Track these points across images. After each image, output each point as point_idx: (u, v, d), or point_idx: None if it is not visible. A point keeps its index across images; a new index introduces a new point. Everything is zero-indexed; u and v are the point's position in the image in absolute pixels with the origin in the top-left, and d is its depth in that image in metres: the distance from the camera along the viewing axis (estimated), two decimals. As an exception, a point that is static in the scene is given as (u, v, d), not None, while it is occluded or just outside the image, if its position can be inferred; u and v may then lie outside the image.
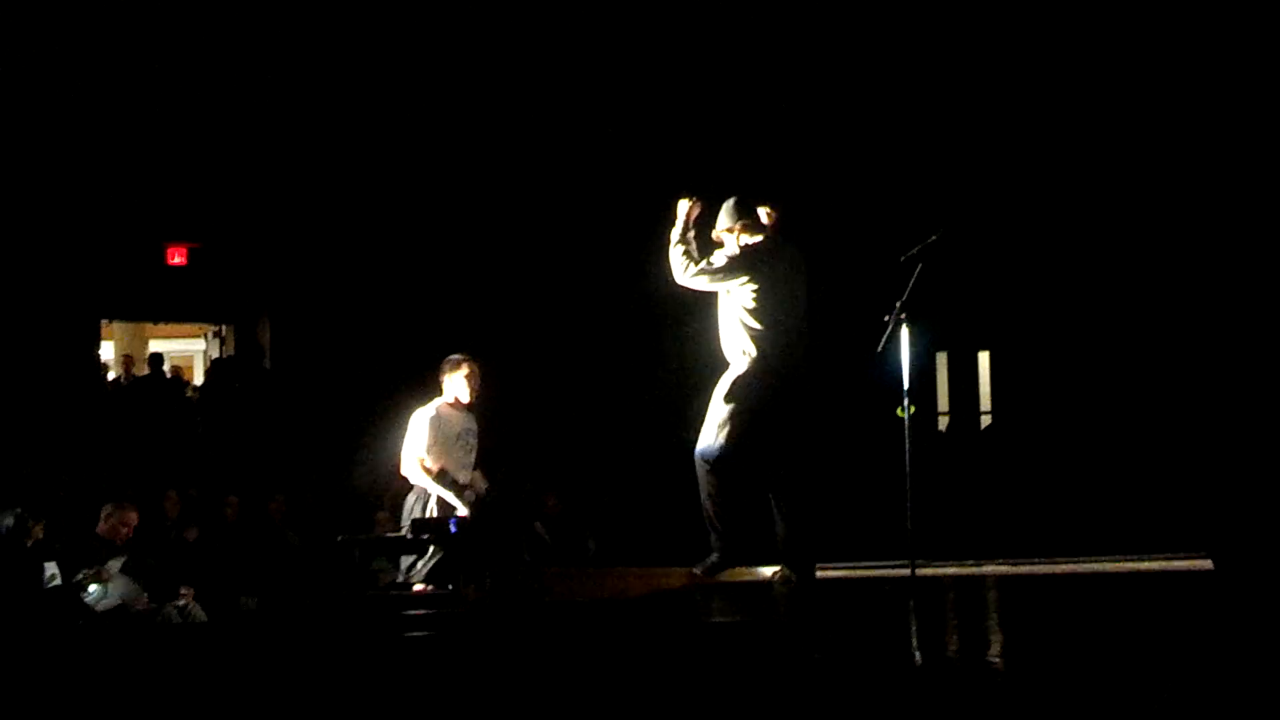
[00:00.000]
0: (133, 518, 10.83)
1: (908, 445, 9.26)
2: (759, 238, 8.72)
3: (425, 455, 9.47)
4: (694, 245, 8.69)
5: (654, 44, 16.32)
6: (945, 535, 11.60)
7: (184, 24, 16.24)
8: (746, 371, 8.55)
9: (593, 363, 16.56)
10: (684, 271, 8.63)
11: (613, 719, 6.16)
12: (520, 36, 16.46)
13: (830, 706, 5.98)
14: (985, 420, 17.44)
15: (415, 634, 7.68)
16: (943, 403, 17.33)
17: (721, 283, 8.64)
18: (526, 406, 14.78)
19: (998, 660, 6.31)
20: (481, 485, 9.77)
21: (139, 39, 16.22)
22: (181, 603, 10.65)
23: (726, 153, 15.74)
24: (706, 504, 8.64)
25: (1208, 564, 9.49)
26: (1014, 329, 16.83)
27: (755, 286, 8.53)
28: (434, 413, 9.58)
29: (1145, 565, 10.44)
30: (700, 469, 8.63)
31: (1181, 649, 6.34)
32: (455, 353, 9.85)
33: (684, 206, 8.75)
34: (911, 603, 8.67)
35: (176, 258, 17.56)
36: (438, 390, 9.76)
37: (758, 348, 8.53)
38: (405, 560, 9.56)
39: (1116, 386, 15.91)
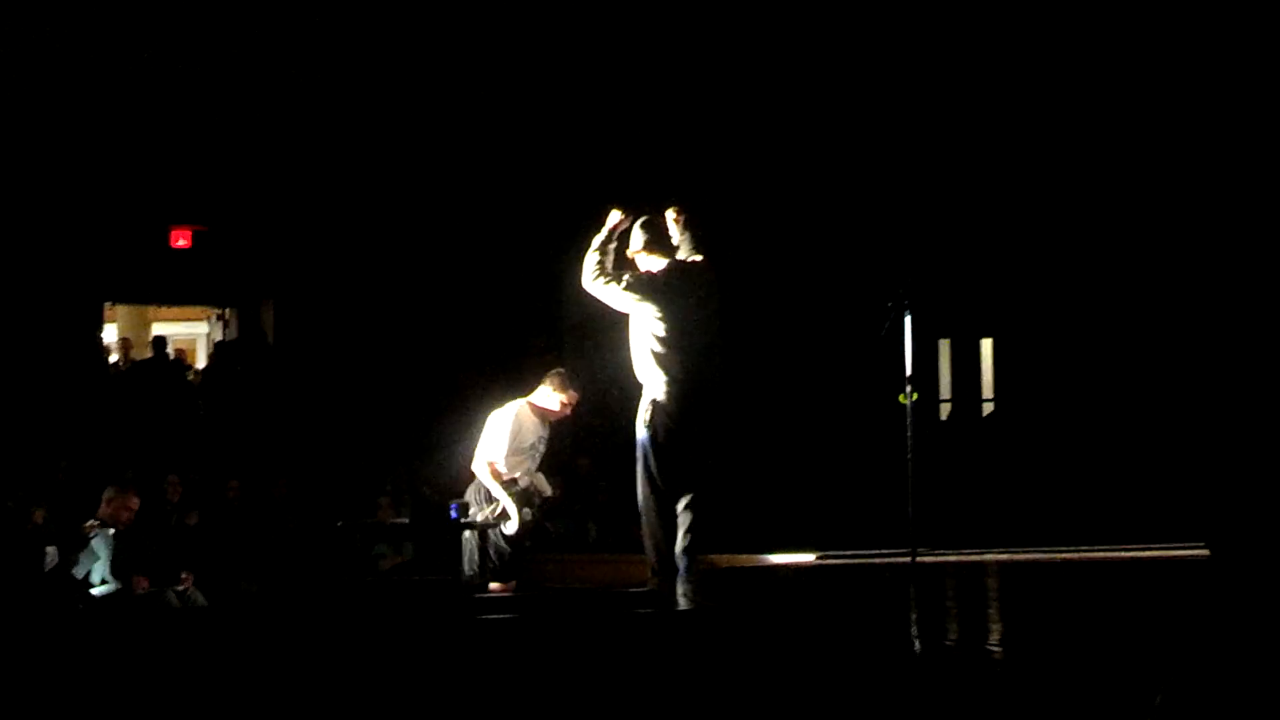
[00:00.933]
0: (134, 501, 10.82)
1: (909, 432, 9.29)
2: (664, 262, 8.68)
3: (498, 460, 9.41)
4: (610, 257, 8.67)
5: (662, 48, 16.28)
6: (946, 523, 11.61)
7: (189, 7, 16.20)
8: (659, 397, 8.52)
9: (595, 347, 16.54)
10: (592, 278, 8.61)
11: (611, 704, 6.17)
12: (525, 31, 16.42)
13: (829, 693, 5.98)
14: (987, 408, 17.41)
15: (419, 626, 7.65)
16: (944, 390, 17.30)
17: (623, 301, 8.60)
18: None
19: (997, 648, 6.30)
20: (546, 488, 9.73)
21: (143, 21, 16.17)
22: (181, 587, 10.65)
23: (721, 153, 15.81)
24: (647, 525, 8.62)
25: (1205, 553, 9.52)
26: (1017, 316, 16.80)
27: (659, 313, 8.51)
28: (515, 418, 9.47)
29: (1144, 553, 10.46)
30: (640, 492, 8.61)
31: (1180, 637, 6.35)
32: (564, 368, 9.88)
33: (613, 217, 8.72)
34: (912, 590, 8.69)
35: (180, 241, 17.54)
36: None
37: (666, 371, 8.51)
38: (466, 556, 9.44)
39: (1118, 375, 15.90)
